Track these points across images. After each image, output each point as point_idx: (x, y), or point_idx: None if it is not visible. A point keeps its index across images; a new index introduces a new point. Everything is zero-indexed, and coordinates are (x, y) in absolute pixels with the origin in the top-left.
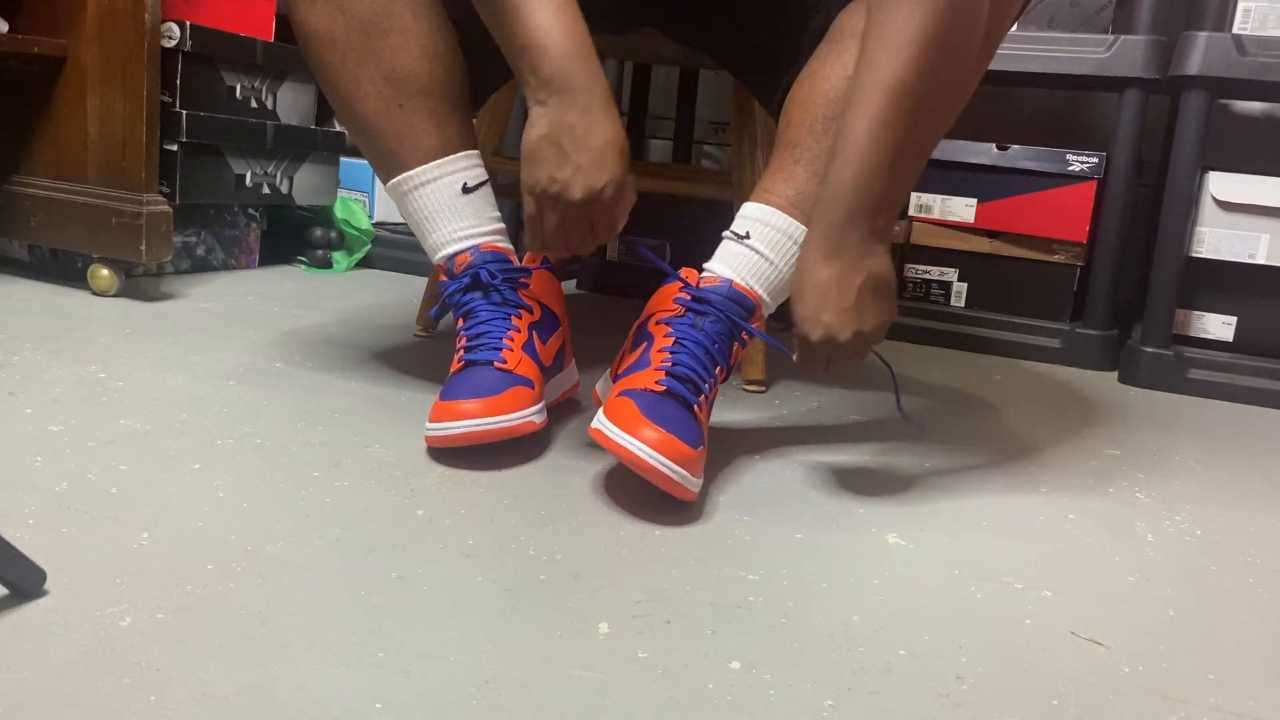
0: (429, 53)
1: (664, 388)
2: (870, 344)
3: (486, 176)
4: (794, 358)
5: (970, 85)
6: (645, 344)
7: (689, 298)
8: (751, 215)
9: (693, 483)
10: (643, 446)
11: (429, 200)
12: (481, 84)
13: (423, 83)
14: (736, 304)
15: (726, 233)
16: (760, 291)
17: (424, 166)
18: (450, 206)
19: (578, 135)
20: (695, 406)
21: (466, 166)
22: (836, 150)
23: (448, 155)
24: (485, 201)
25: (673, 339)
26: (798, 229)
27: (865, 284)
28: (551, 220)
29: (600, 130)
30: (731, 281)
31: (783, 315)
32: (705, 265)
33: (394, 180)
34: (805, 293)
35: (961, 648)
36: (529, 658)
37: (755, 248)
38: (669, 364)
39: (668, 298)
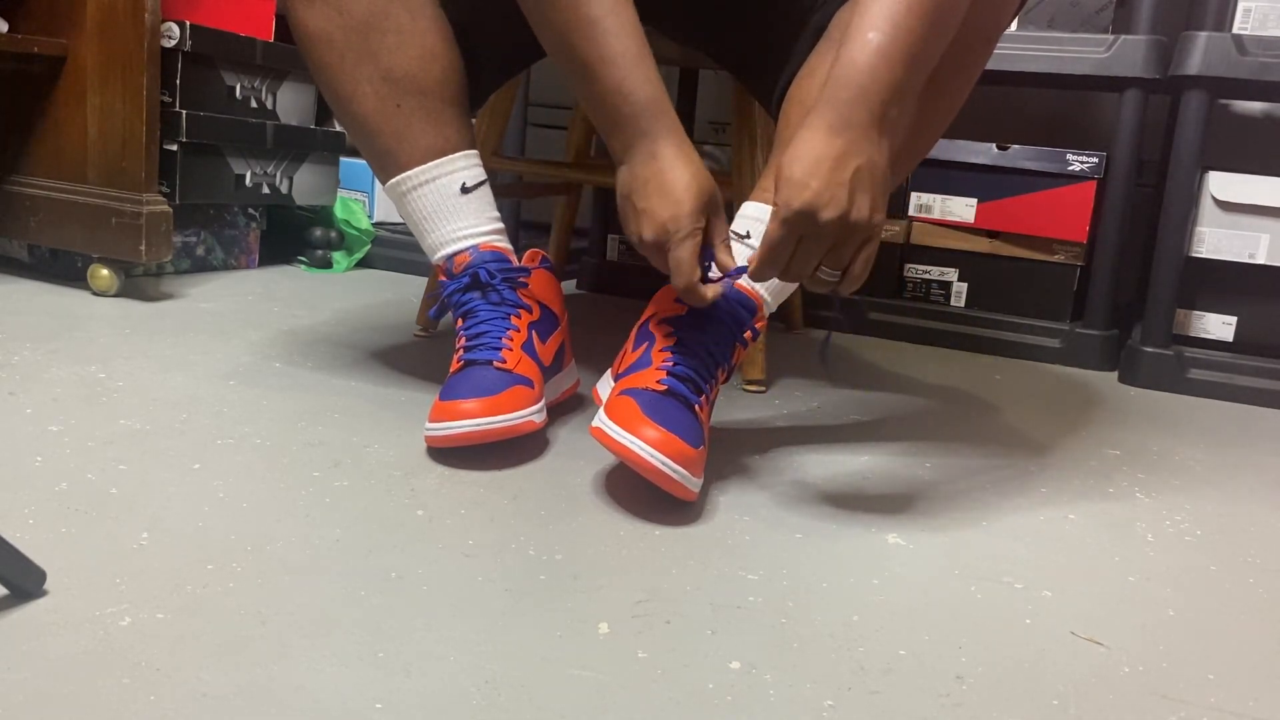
0: (426, 53)
1: (665, 387)
2: (854, 238)
3: (485, 176)
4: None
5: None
6: (647, 343)
7: None
8: (752, 215)
9: (693, 482)
10: (644, 445)
11: (427, 200)
12: (480, 84)
13: (420, 83)
14: (738, 304)
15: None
16: (761, 291)
17: (422, 166)
18: (449, 206)
19: (644, 183)
20: (696, 406)
21: (465, 166)
22: (850, 33)
23: (446, 155)
24: (484, 201)
25: (674, 339)
26: None
27: (863, 168)
28: (659, 264)
29: (669, 176)
30: (733, 281)
31: (783, 315)
32: None
33: (392, 180)
34: (798, 158)
35: (961, 648)
36: (529, 658)
37: (756, 248)
38: (670, 363)
39: (669, 297)
